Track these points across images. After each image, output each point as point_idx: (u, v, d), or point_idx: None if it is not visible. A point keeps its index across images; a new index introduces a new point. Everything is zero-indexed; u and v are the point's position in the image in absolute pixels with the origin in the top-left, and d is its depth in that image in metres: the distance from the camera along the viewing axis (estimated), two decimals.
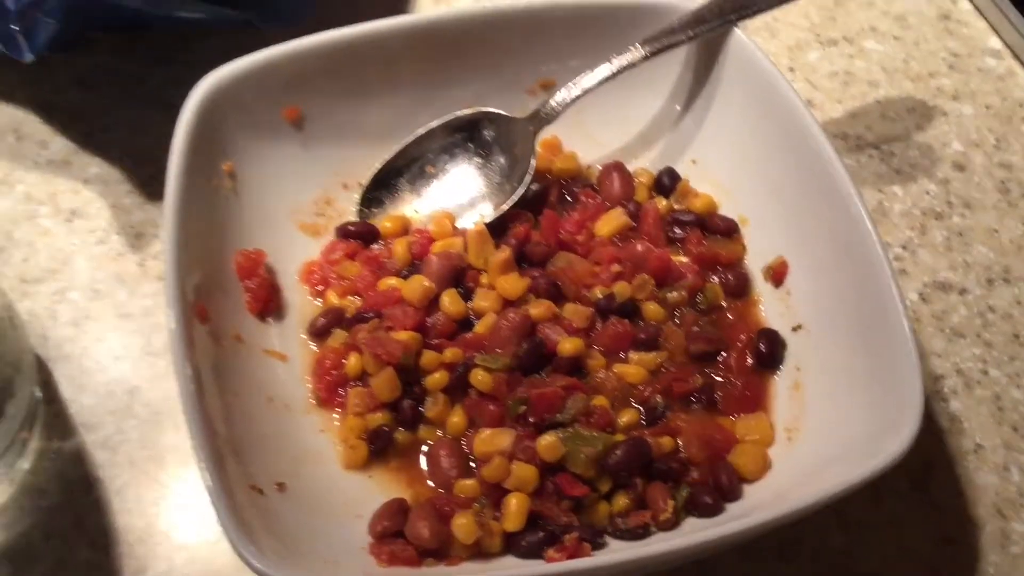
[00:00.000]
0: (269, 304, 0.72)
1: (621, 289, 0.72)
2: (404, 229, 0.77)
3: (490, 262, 0.73)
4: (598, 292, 0.72)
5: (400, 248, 0.74)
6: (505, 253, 0.73)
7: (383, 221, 0.77)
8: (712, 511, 0.64)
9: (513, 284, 0.72)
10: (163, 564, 0.66)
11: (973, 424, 0.74)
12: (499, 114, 0.77)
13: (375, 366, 0.68)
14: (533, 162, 0.76)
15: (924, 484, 0.71)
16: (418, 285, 0.71)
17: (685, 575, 0.66)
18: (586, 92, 0.75)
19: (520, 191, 0.76)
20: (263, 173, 0.75)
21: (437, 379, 0.69)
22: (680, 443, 0.67)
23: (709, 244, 0.76)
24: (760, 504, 0.63)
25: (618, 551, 0.62)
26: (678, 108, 0.79)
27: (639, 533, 0.64)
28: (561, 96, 0.76)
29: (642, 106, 0.80)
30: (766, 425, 0.68)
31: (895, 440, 0.57)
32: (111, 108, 0.87)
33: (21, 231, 0.80)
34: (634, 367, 0.70)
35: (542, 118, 0.76)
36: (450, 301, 0.71)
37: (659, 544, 0.57)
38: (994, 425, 0.74)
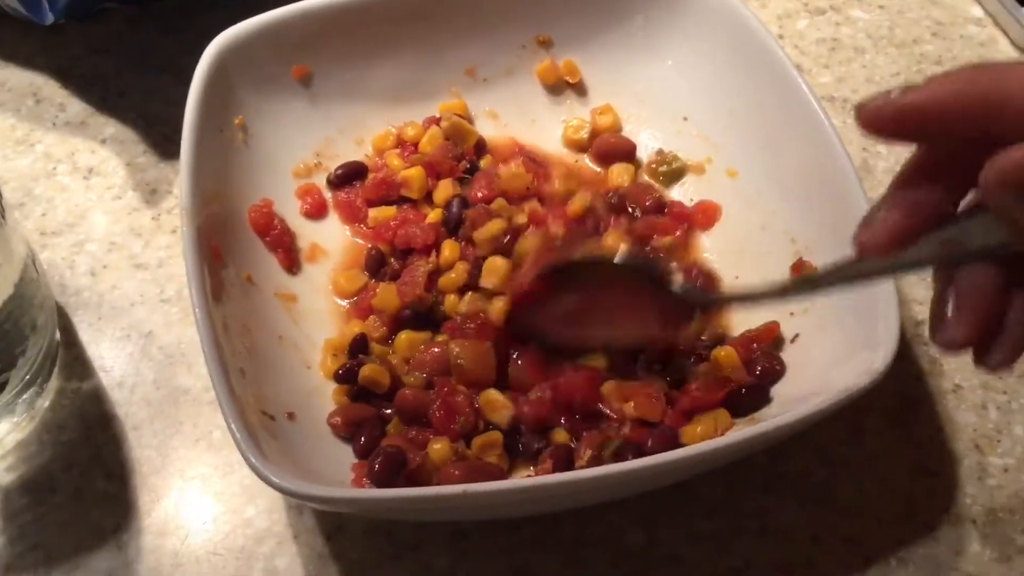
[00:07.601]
0: (291, 252, 0.75)
1: None
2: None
3: None
4: None
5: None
6: None
7: None
8: None
9: None
10: (176, 494, 0.69)
11: (952, 366, 0.76)
12: None
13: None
14: None
15: (904, 421, 0.73)
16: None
17: (668, 499, 0.68)
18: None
19: None
20: (272, 127, 0.79)
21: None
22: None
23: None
24: None
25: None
26: (670, 63, 0.83)
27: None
28: None
29: (638, 67, 0.84)
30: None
31: (873, 359, 0.60)
32: (125, 74, 0.91)
33: (40, 187, 0.84)
34: None
35: None
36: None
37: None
38: (972, 367, 0.76)
